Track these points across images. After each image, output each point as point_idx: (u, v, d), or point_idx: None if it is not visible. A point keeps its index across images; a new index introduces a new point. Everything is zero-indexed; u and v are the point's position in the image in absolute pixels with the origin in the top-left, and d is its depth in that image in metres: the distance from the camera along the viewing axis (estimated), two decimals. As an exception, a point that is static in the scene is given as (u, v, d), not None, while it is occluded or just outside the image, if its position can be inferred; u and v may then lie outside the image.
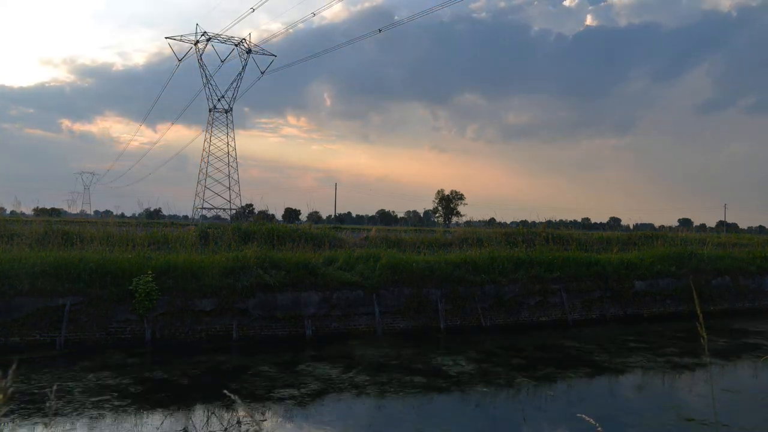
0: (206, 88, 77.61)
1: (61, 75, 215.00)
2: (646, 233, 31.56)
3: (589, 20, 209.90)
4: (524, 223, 37.71)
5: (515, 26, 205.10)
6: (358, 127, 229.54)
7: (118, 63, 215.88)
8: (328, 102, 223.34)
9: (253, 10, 62.88)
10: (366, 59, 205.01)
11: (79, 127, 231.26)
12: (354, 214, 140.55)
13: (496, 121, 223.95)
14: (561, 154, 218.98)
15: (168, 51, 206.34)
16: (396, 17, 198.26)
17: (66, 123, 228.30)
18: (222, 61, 76.26)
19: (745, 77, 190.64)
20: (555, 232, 26.23)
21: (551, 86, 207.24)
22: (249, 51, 76.01)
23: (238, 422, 9.01)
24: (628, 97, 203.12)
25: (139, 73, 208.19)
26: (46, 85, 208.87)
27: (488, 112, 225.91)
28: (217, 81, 78.36)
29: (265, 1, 58.51)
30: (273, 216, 47.82)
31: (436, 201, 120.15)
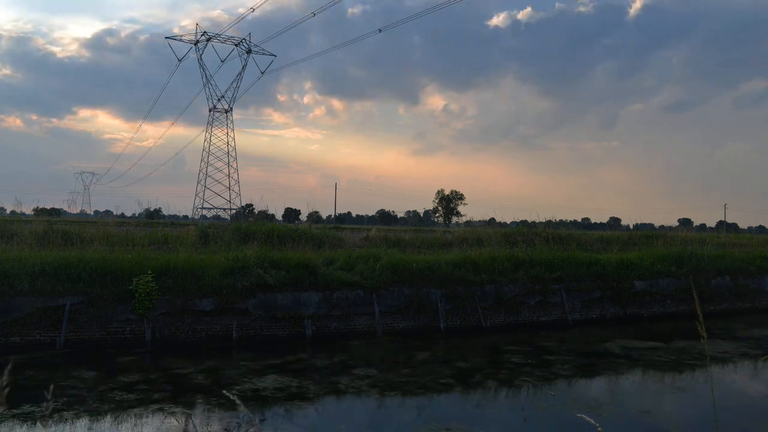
0: (206, 88, 77.64)
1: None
2: (646, 233, 31.54)
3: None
4: (524, 223, 37.59)
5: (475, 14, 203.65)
6: (338, 126, 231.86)
7: (57, 51, 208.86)
8: (306, 100, 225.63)
9: (254, 9, 62.86)
10: (322, 50, 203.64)
11: (53, 123, 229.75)
12: (354, 214, 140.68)
13: (476, 119, 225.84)
14: (549, 154, 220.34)
15: (112, 41, 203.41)
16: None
17: (41, 120, 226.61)
18: (222, 61, 76.29)
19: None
20: (555, 232, 26.21)
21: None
22: (249, 51, 76.00)
23: (238, 422, 9.01)
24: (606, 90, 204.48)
25: (87, 63, 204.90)
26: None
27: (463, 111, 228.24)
28: (215, 80, 78.47)
29: (265, 1, 58.42)
30: (273, 216, 47.79)
31: (436, 201, 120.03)
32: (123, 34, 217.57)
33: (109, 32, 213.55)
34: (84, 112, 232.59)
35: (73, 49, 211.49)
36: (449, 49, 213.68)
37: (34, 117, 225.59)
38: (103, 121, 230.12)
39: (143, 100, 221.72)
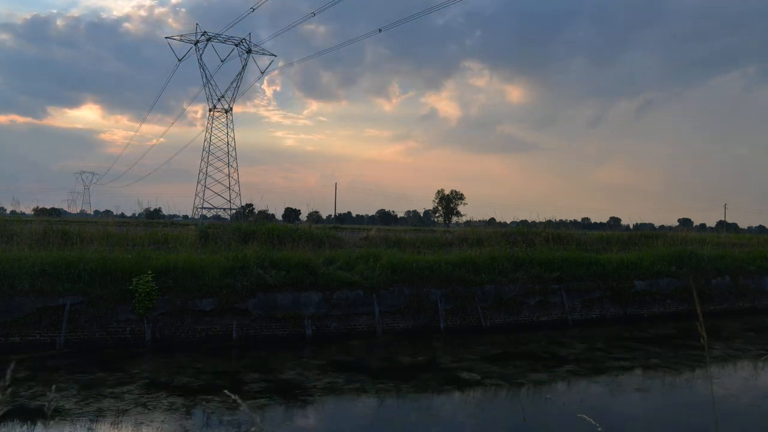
0: (206, 88, 77.64)
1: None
2: (646, 233, 31.53)
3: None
4: (524, 222, 37.57)
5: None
6: (336, 125, 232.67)
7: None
8: (295, 100, 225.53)
9: (253, 9, 62.79)
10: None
11: (32, 123, 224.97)
12: (354, 214, 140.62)
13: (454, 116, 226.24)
14: (544, 153, 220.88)
15: (51, 32, 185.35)
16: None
17: (18, 120, 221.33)
18: (222, 61, 76.27)
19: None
20: (555, 232, 26.19)
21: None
22: (249, 51, 76.01)
23: (238, 422, 9.01)
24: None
25: (39, 59, 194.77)
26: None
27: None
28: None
29: (264, 1, 58.31)
30: (273, 216, 47.79)
31: (436, 201, 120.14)
32: (60, 24, 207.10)
33: (45, 21, 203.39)
34: (60, 112, 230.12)
35: (7, 38, 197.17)
36: (410, 45, 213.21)
37: (10, 116, 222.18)
38: (85, 121, 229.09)
39: (118, 96, 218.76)
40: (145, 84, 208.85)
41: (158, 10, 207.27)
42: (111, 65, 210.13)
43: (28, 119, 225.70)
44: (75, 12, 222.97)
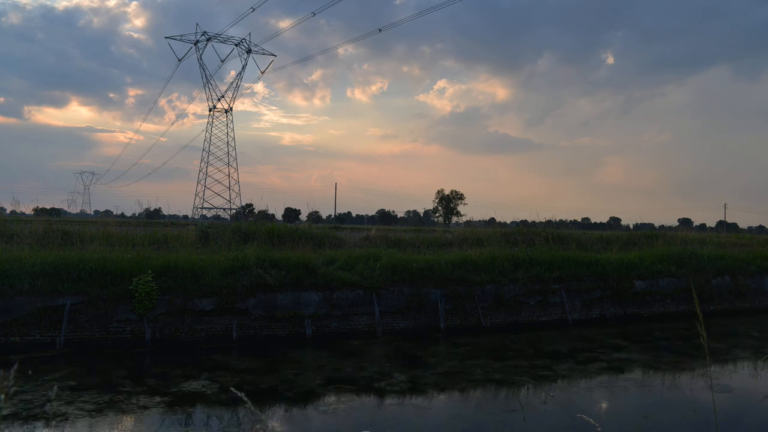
0: (206, 88, 77.72)
1: None
2: (646, 233, 31.53)
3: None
4: (524, 222, 37.56)
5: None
6: (335, 125, 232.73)
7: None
8: (291, 98, 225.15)
9: (253, 9, 62.86)
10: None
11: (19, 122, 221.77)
12: (354, 214, 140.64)
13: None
14: (542, 152, 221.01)
15: (11, 23, 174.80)
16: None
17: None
18: (222, 61, 76.35)
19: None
20: (555, 232, 26.19)
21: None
22: (249, 51, 76.06)
23: (238, 422, 9.01)
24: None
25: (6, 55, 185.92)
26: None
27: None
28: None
29: (264, 1, 58.37)
30: (273, 216, 47.81)
31: (436, 201, 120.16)
32: (14, 18, 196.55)
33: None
34: (48, 112, 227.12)
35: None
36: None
37: None
38: (79, 120, 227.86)
39: (104, 96, 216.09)
40: (128, 84, 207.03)
41: (110, 2, 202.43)
42: (82, 63, 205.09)
43: (13, 119, 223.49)
44: (24, 1, 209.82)
